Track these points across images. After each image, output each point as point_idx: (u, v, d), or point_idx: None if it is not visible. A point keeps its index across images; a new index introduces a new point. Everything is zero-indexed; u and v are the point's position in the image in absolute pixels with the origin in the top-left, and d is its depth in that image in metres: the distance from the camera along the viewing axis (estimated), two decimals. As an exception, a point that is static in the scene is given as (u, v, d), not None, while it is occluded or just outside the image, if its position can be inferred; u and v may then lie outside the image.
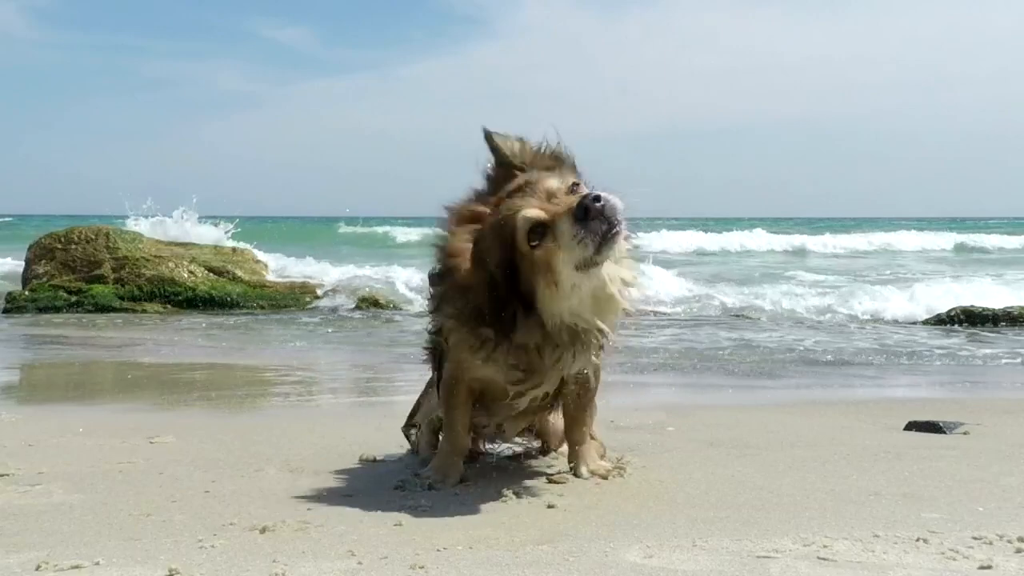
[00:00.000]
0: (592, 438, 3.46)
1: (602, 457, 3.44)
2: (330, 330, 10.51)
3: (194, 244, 15.05)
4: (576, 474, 3.32)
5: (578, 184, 2.91)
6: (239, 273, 13.99)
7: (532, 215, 2.80)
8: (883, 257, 29.79)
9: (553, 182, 2.87)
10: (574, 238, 2.72)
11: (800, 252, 31.38)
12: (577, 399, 3.32)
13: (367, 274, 14.81)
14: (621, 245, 2.84)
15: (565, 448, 3.66)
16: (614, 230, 2.71)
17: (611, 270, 2.89)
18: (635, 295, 3.03)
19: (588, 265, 2.77)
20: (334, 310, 12.54)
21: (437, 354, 3.36)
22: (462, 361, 3.12)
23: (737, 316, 11.83)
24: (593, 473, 3.31)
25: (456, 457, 3.27)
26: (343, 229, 38.88)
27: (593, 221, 2.68)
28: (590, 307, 2.90)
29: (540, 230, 2.79)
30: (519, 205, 2.84)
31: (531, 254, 2.81)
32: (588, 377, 3.25)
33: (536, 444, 3.73)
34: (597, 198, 2.69)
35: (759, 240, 34.28)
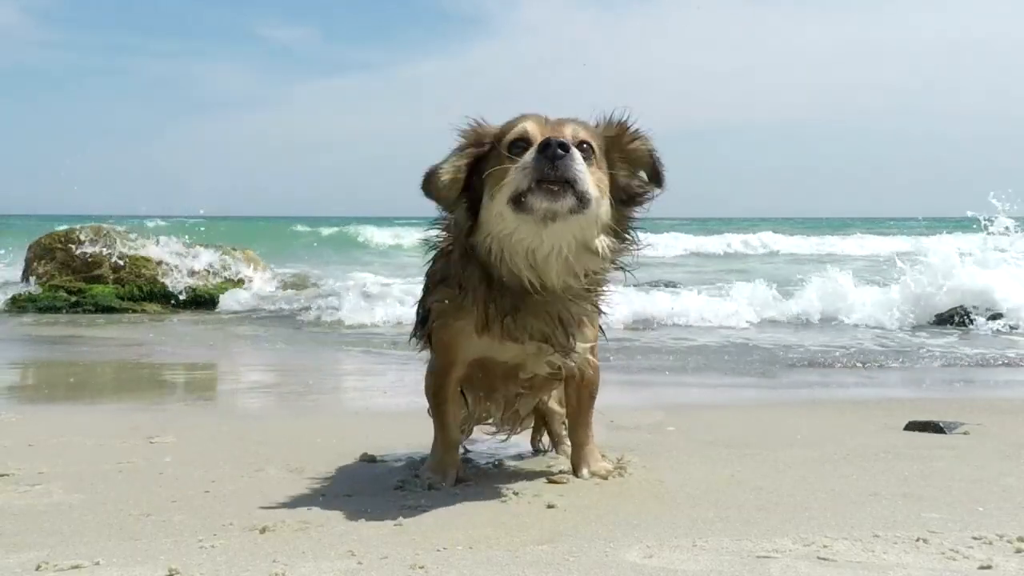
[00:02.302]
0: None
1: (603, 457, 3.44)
2: (330, 331, 10.50)
3: (195, 244, 15.05)
4: (577, 474, 3.33)
5: (591, 151, 2.90)
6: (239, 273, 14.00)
7: (528, 127, 2.89)
8: (885, 257, 29.73)
9: (568, 129, 2.91)
10: (522, 164, 2.75)
11: (804, 253, 31.18)
12: (578, 398, 3.33)
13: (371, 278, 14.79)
14: (575, 225, 2.79)
15: (565, 445, 3.68)
16: (556, 182, 2.69)
17: (560, 242, 2.82)
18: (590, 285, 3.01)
19: (519, 200, 2.75)
20: (336, 312, 12.53)
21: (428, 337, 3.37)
22: (452, 344, 3.12)
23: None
24: (594, 474, 3.31)
25: (451, 454, 3.28)
26: (342, 231, 38.51)
27: (545, 161, 2.70)
28: (514, 251, 2.85)
29: (522, 145, 2.85)
30: (527, 119, 2.93)
31: (503, 159, 2.85)
32: (586, 371, 3.26)
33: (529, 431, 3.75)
34: (564, 146, 2.71)
35: (762, 242, 34.12)
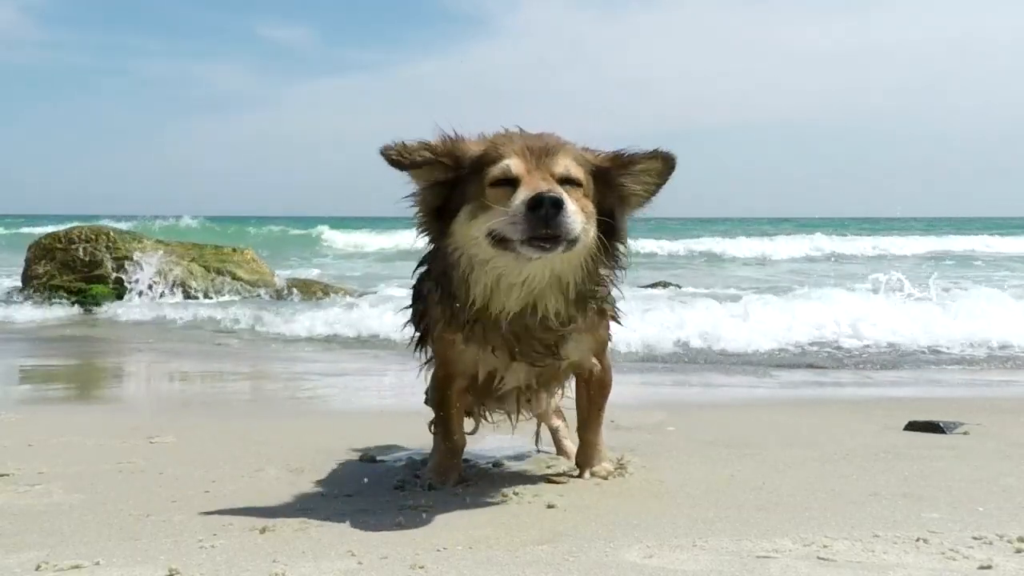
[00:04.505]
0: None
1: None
2: (329, 330, 10.48)
3: (194, 244, 15.08)
4: (580, 472, 3.34)
5: (578, 184, 2.80)
6: (240, 272, 14.01)
7: (515, 166, 2.74)
8: (883, 257, 29.67)
9: (558, 166, 2.77)
10: (511, 213, 2.63)
11: (809, 254, 30.86)
12: (588, 397, 3.30)
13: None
14: (555, 259, 2.73)
15: (566, 446, 3.68)
16: (548, 239, 2.61)
17: (535, 273, 2.76)
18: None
19: (499, 242, 2.68)
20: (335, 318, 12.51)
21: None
22: (448, 357, 3.10)
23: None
24: (594, 475, 3.31)
25: (454, 458, 3.27)
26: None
27: (538, 220, 2.59)
28: (483, 273, 2.80)
29: (506, 182, 2.73)
30: (511, 152, 2.78)
31: (483, 189, 2.75)
32: (595, 372, 3.22)
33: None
34: (558, 204, 2.58)
35: (769, 244, 33.68)
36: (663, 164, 2.93)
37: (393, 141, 2.85)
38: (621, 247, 2.96)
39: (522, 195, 2.66)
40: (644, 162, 2.92)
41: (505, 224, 2.65)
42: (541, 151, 2.80)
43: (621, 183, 2.92)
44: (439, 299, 2.99)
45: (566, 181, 2.77)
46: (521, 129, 2.95)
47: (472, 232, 2.77)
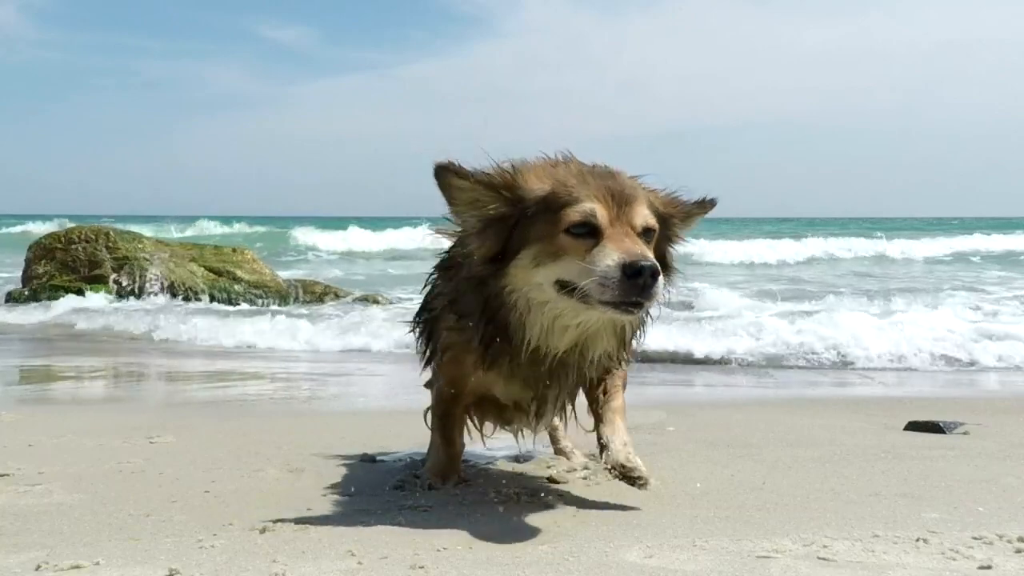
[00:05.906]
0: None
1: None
2: (331, 330, 10.48)
3: (194, 244, 15.09)
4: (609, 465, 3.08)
5: (652, 232, 2.71)
6: (239, 273, 14.02)
7: (599, 215, 2.60)
8: (880, 259, 29.64)
9: (638, 217, 2.65)
10: (600, 273, 2.51)
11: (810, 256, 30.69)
12: (604, 400, 3.21)
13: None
14: (613, 318, 2.66)
15: (564, 446, 3.69)
16: (635, 308, 2.53)
17: (591, 318, 2.69)
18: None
19: (582, 294, 2.55)
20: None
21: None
22: (460, 379, 3.07)
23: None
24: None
25: (453, 463, 3.24)
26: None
27: (634, 289, 2.49)
28: (542, 317, 2.71)
29: (585, 230, 2.59)
30: (590, 195, 2.63)
31: (555, 233, 2.61)
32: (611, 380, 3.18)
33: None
34: (655, 273, 2.48)
35: (770, 247, 33.43)
36: (708, 209, 2.98)
37: (447, 160, 2.70)
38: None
39: (614, 256, 2.52)
40: (698, 211, 2.96)
41: (593, 285, 2.52)
42: (621, 198, 2.67)
43: (676, 232, 2.91)
44: (464, 326, 2.89)
45: (645, 233, 2.68)
46: (571, 155, 2.84)
47: (536, 278, 2.66)
